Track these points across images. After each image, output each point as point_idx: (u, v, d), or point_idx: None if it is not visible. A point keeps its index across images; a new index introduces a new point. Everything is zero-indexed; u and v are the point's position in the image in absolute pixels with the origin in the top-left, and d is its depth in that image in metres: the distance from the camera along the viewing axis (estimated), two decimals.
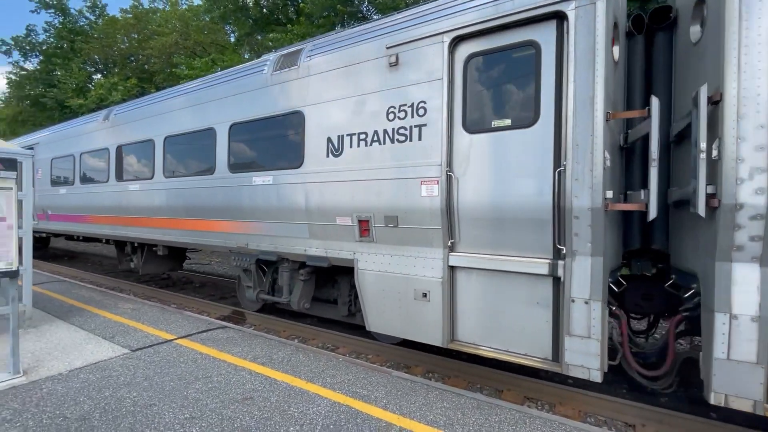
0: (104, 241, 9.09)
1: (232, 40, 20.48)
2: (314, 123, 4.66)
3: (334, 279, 5.41)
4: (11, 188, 3.66)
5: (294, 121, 4.90)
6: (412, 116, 3.89)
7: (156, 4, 24.14)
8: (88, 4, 25.13)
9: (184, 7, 22.53)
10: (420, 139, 3.84)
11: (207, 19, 19.45)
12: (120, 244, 8.82)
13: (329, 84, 4.56)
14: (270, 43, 15.40)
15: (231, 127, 5.59)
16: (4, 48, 25.21)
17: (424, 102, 3.82)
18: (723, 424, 3.28)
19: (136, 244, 8.17)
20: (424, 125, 3.81)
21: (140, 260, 8.10)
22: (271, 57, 5.43)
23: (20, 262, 4.27)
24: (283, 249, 5.16)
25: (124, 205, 7.53)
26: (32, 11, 24.56)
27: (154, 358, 4.16)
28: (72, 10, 24.92)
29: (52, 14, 24.57)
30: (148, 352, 4.35)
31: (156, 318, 5.63)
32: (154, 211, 6.92)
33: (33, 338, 4.74)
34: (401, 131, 3.96)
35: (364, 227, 4.30)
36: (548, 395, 3.92)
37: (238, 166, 5.56)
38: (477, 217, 3.62)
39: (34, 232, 11.50)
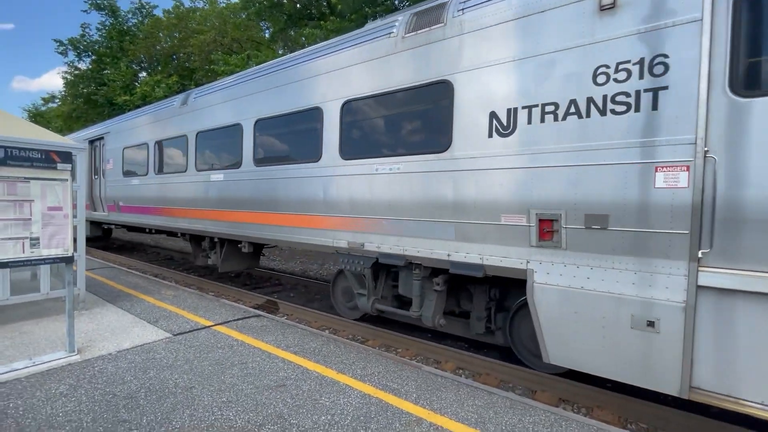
0: (179, 234, 8.47)
1: (267, 36, 20.94)
2: (469, 94, 3.76)
3: (465, 288, 4.61)
4: (67, 180, 3.92)
5: (437, 93, 4.00)
6: (641, 77, 2.91)
7: (197, 3, 25.09)
8: (137, 5, 26.50)
9: (223, 5, 23.25)
10: (655, 107, 2.87)
11: (243, 16, 19.97)
12: (196, 238, 8.11)
13: (495, 43, 3.61)
14: (303, 39, 15.61)
15: (344, 105, 4.76)
16: (60, 48, 27.09)
17: (665, 56, 2.83)
18: None
19: (216, 240, 7.43)
20: (664, 88, 2.83)
21: (219, 257, 7.43)
22: (399, 18, 4.54)
23: (74, 248, 4.59)
24: (415, 252, 4.27)
25: (206, 197, 6.97)
26: (84, 11, 26.20)
27: (194, 343, 4.36)
28: (122, 11, 26.39)
29: (103, 15, 26.10)
30: (188, 336, 4.56)
31: (195, 305, 5.89)
32: (240, 204, 6.26)
33: (86, 320, 5.09)
34: (619, 98, 3.00)
35: (546, 228, 3.35)
36: (585, 398, 3.77)
37: (353, 151, 4.73)
38: (758, 218, 2.58)
39: (104, 223, 11.94)
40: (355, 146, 4.76)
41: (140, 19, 26.66)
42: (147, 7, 26.64)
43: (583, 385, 3.83)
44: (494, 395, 3.37)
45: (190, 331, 4.73)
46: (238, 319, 5.24)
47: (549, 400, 3.80)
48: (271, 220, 5.81)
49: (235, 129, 6.31)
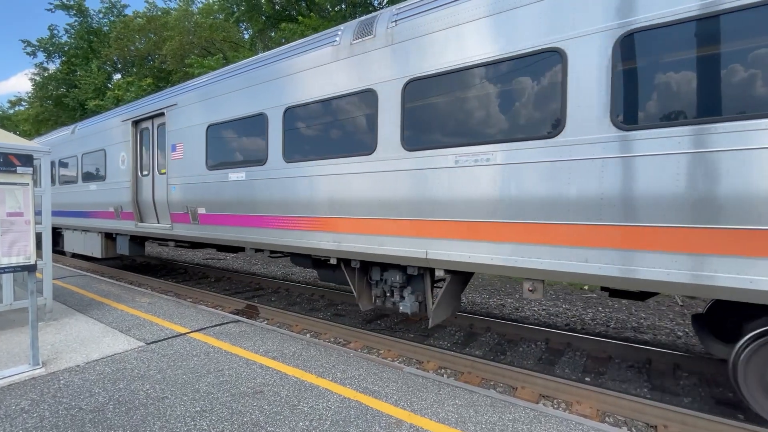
0: (331, 261, 5.08)
1: (246, 37, 20.65)
2: None
3: None
4: (28, 184, 3.73)
5: None
6: None
7: (169, 4, 24.56)
8: (107, 5, 25.76)
9: (196, 9, 22.76)
10: None
11: (221, 17, 19.64)
12: (365, 268, 5.02)
13: None
14: (283, 40, 15.45)
15: None
16: (29, 50, 26.07)
17: None
18: (753, 427, 3.11)
19: (432, 272, 4.43)
20: None
21: (432, 301, 4.46)
22: None
23: (39, 256, 4.38)
24: None
25: (442, 197, 4.02)
26: (47, 10, 25.32)
27: (168, 351, 4.21)
28: (91, 11, 25.61)
29: (71, 15, 25.25)
30: (162, 345, 4.40)
31: (171, 312, 5.71)
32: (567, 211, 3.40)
33: (53, 331, 4.86)
34: None
35: None
36: (565, 393, 3.81)
37: None
38: None
39: (157, 239, 8.22)
40: None
41: (112, 19, 25.93)
42: (118, 6, 25.94)
43: (563, 381, 3.87)
44: (475, 394, 3.36)
45: (164, 339, 4.57)
46: (216, 326, 5.10)
47: (529, 397, 3.83)
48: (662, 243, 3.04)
49: (544, 62, 3.50)
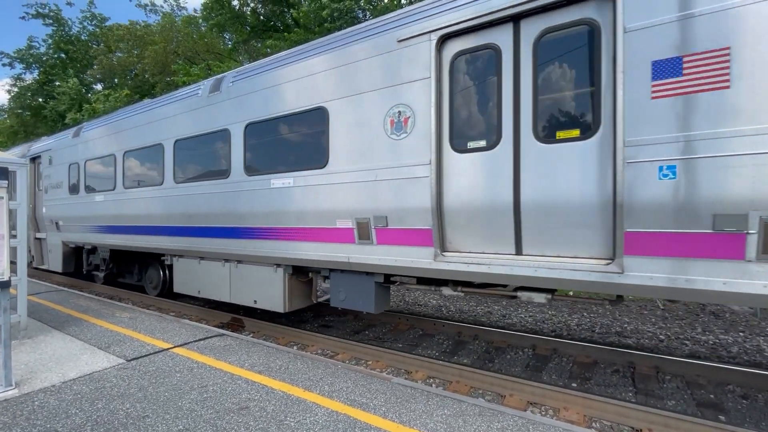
0: None
1: (230, 46, 20.61)
2: None
3: None
4: (2, 197, 3.61)
5: None
6: None
7: (150, 18, 24.41)
8: (86, 14, 25.44)
9: (179, 20, 22.66)
10: None
11: (205, 26, 19.56)
12: None
13: None
14: (268, 50, 15.47)
15: None
16: (6, 60, 25.47)
17: None
18: (734, 428, 3.18)
19: None
20: None
21: None
22: None
23: (14, 271, 4.23)
24: None
25: None
26: (21, 18, 24.89)
27: (150, 368, 4.08)
28: (69, 20, 25.25)
29: (47, 24, 24.84)
30: (143, 361, 4.27)
31: (153, 327, 5.55)
32: None
33: (28, 349, 4.67)
34: None
35: None
36: (552, 400, 3.83)
37: None
38: None
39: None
40: None
41: (91, 28, 25.58)
42: (98, 17, 25.64)
43: (550, 387, 3.89)
44: (463, 403, 3.35)
45: (145, 356, 4.44)
46: (200, 340, 4.98)
47: (518, 404, 3.84)
48: None
49: None
